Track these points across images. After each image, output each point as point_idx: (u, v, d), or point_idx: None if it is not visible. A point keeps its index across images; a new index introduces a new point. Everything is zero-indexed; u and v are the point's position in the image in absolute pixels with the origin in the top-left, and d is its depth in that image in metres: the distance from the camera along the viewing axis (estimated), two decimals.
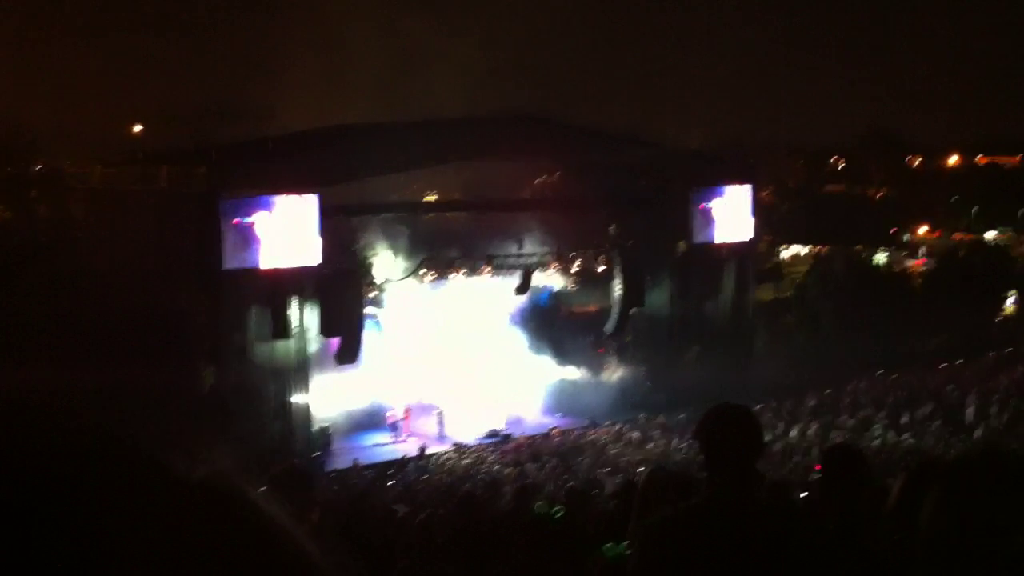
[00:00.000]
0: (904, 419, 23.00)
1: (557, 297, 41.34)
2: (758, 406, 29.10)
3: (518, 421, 33.96)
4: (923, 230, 63.65)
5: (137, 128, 55.37)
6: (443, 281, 34.49)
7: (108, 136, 53.08)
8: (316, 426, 30.60)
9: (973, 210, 64.25)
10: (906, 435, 21.22)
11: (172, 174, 28.92)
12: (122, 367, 23.31)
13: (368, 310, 33.19)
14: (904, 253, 61.00)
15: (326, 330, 30.44)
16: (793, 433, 23.45)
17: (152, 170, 29.66)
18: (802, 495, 3.93)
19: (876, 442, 20.58)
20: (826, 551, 3.06)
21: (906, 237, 63.15)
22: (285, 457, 25.27)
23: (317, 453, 29.02)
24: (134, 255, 28.06)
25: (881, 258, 57.07)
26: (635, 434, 28.92)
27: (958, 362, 29.50)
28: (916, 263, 57.92)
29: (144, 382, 23.65)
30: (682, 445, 25.44)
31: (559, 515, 8.47)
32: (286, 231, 28.67)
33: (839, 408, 26.64)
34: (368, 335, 31.90)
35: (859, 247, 54.59)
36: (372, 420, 33.66)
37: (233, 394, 27.92)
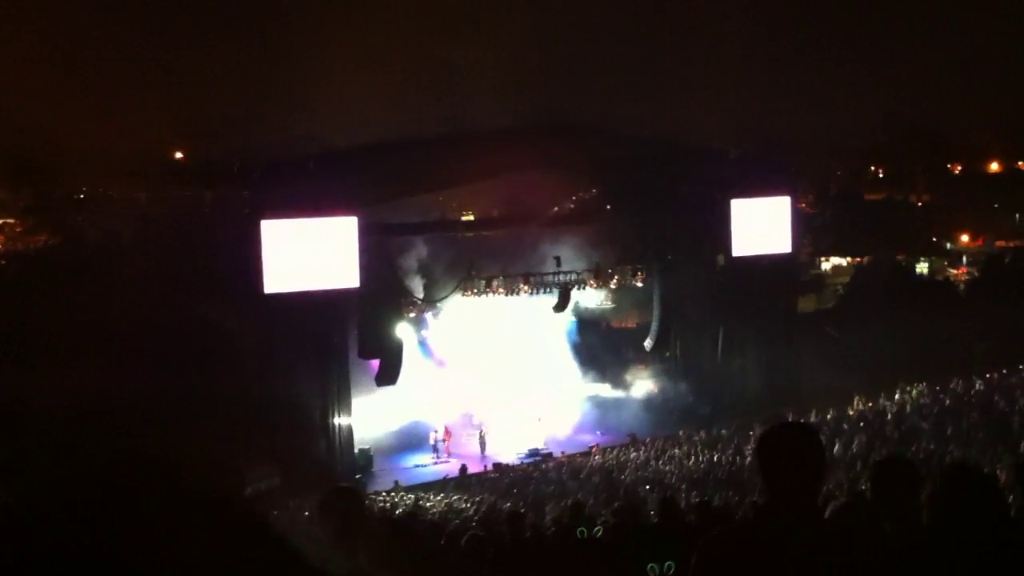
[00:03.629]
0: (949, 430, 22.70)
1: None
2: (800, 419, 28.93)
3: (558, 439, 33.93)
4: (965, 238, 62.93)
5: (179, 155, 56.13)
6: (481, 300, 34.57)
7: (153, 156, 53.84)
8: (358, 448, 30.78)
9: (1016, 216, 63.49)
10: (951, 446, 20.95)
11: (216, 198, 29.34)
12: (173, 389, 23.83)
13: (409, 331, 33.40)
14: (946, 262, 60.31)
15: (365, 352, 30.64)
16: (837, 447, 23.19)
17: (197, 193, 30.13)
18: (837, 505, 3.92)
19: (922, 454, 20.35)
20: (888, 565, 3.08)
21: (948, 245, 62.45)
22: (329, 478, 25.50)
23: (359, 475, 29.18)
24: (181, 279, 28.51)
25: (923, 267, 56.50)
26: (677, 450, 28.78)
27: (1004, 371, 29.07)
28: (959, 271, 57.23)
29: (197, 405, 24.14)
30: (726, 460, 25.29)
31: (599, 533, 8.54)
32: (326, 254, 28.89)
33: (884, 419, 26.35)
34: (408, 356, 32.08)
35: (900, 256, 54.06)
36: (413, 441, 33.78)
37: (280, 414, 28.21)
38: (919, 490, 4.01)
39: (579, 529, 8.79)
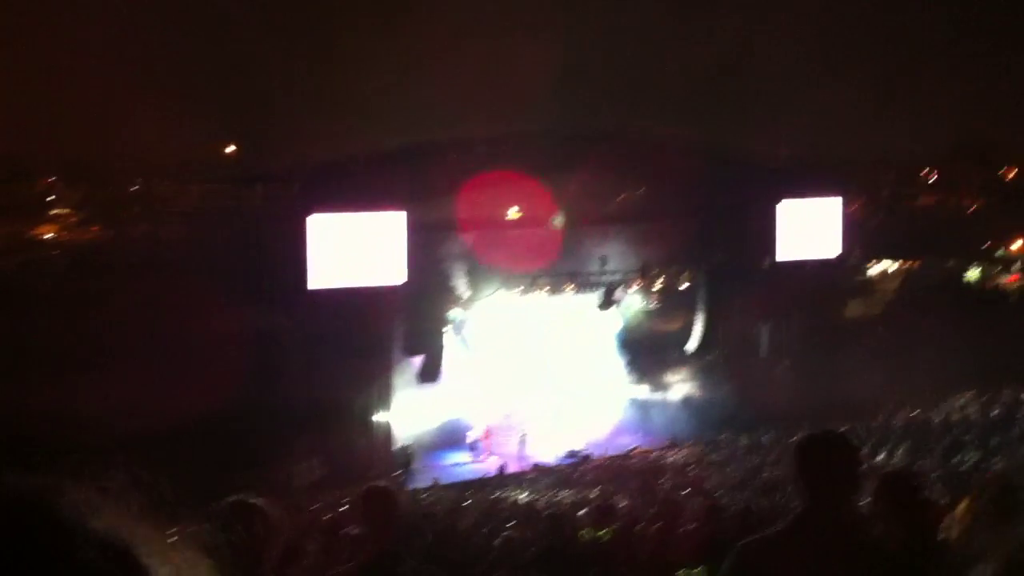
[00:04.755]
0: (995, 441, 22.36)
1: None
2: (845, 426, 28.62)
3: (598, 441, 33.84)
4: (1017, 244, 61.75)
5: (232, 149, 56.72)
6: (526, 299, 34.57)
7: (203, 153, 54.44)
8: (397, 444, 30.93)
9: None
10: (996, 458, 20.64)
11: (265, 193, 29.60)
12: (214, 383, 24.13)
13: (450, 328, 33.49)
14: (998, 268, 59.22)
15: (408, 349, 30.75)
16: (880, 456, 22.96)
17: (246, 190, 30.42)
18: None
19: (966, 465, 20.09)
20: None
21: (1000, 252, 61.32)
22: (368, 474, 25.70)
23: (398, 472, 29.34)
24: (227, 273, 28.81)
25: (974, 273, 55.59)
26: (717, 455, 28.63)
27: None
28: (1010, 278, 56.23)
29: (235, 398, 24.44)
30: (766, 466, 25.12)
31: (607, 536, 8.55)
32: (373, 249, 29.01)
33: (929, 428, 26.02)
34: (449, 353, 32.15)
35: (951, 262, 53.29)
36: (452, 439, 33.87)
37: (320, 410, 28.40)
38: (920, 505, 3.99)
39: (580, 532, 8.81)
